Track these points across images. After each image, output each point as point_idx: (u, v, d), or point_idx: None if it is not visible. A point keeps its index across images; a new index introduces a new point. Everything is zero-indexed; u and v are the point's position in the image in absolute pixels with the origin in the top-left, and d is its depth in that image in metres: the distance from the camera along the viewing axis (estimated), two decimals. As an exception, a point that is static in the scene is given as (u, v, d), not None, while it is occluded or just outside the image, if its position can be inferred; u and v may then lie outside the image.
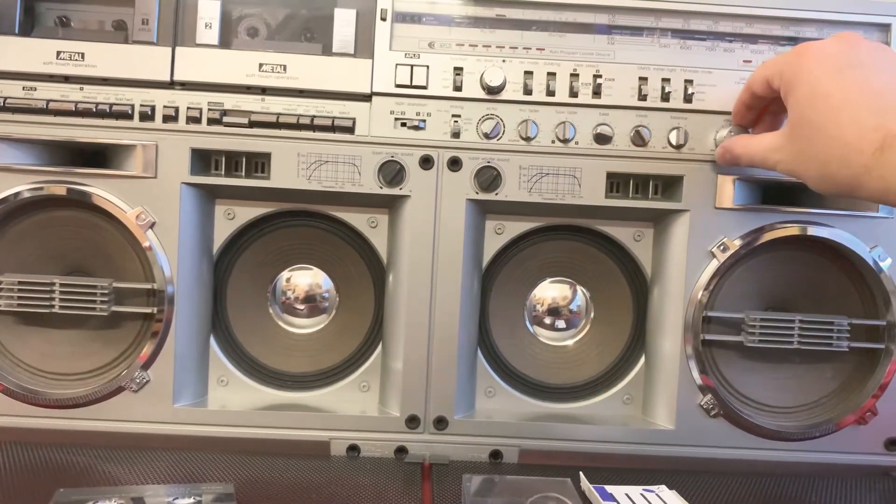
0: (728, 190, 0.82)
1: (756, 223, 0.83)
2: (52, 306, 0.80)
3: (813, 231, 0.83)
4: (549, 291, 0.90)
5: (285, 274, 0.89)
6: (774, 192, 0.85)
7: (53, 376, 0.83)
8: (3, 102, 0.79)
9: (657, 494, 0.74)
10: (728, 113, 0.81)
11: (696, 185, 0.82)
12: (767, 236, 0.82)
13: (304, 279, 0.89)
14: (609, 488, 0.75)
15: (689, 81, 0.81)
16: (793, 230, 0.83)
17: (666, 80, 0.81)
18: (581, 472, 0.76)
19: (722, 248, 0.82)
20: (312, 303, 0.89)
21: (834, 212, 0.83)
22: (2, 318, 0.82)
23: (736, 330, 0.84)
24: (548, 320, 0.90)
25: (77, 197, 0.80)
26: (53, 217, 0.82)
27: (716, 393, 0.83)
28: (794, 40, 0.83)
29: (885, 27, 0.83)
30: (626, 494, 0.74)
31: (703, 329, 0.83)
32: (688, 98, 0.81)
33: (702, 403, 0.84)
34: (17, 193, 0.79)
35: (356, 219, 0.85)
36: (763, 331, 0.82)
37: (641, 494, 0.74)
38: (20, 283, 0.80)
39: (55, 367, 0.83)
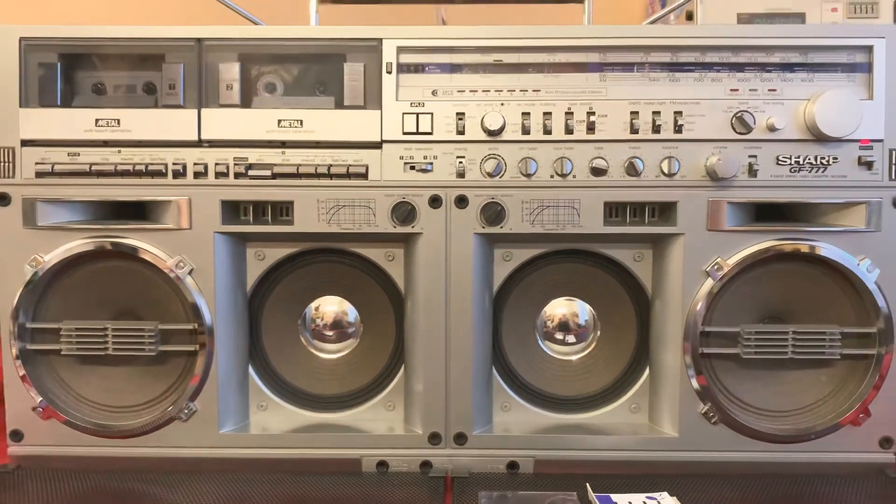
0: (720, 213, 0.87)
1: (748, 242, 0.88)
2: (106, 348, 0.89)
3: (804, 247, 0.87)
4: (558, 310, 0.96)
5: (313, 304, 0.96)
6: (766, 211, 0.90)
7: (111, 409, 0.92)
8: (52, 168, 0.87)
9: (658, 502, 0.81)
10: (717, 140, 0.86)
11: (690, 209, 0.87)
12: (760, 255, 0.87)
13: (330, 308, 0.97)
14: (614, 497, 0.82)
15: (678, 113, 0.86)
16: (785, 247, 0.87)
17: (656, 113, 0.86)
18: (587, 484, 0.83)
19: (716, 267, 0.88)
20: (339, 329, 0.97)
21: (824, 228, 0.88)
22: (64, 359, 0.91)
23: (733, 342, 0.89)
24: (558, 336, 0.96)
25: (123, 249, 0.88)
26: (103, 267, 0.90)
27: (716, 401, 0.89)
28: (779, 66, 0.87)
29: (868, 49, 0.86)
30: (630, 503, 0.80)
31: (701, 343, 0.89)
32: (678, 129, 0.86)
33: (703, 411, 0.90)
34: (70, 248, 0.88)
35: (374, 253, 0.93)
36: (758, 343, 0.88)
37: (644, 502, 0.81)
38: (77, 329, 0.89)
39: (112, 400, 0.92)
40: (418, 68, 0.87)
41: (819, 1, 1.17)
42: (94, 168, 0.87)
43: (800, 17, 1.17)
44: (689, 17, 1.20)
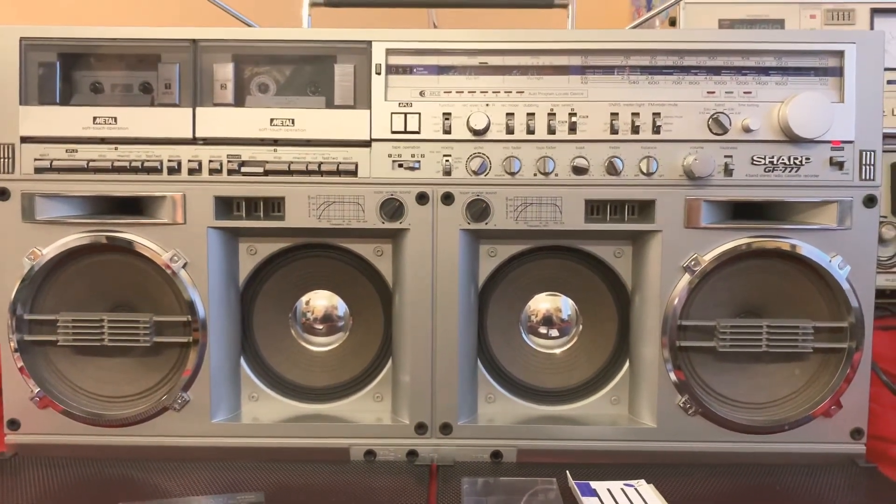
0: (697, 211, 0.90)
1: (724, 239, 0.91)
2: (102, 340, 0.92)
3: (778, 244, 0.91)
4: (541, 304, 0.99)
5: (304, 298, 0.99)
6: (741, 209, 0.93)
7: (106, 399, 0.95)
8: (51, 164, 0.90)
9: (636, 489, 0.84)
10: (694, 141, 0.90)
11: (668, 207, 0.90)
12: (735, 251, 0.91)
13: (320, 301, 0.99)
14: (593, 484, 0.85)
15: (656, 114, 0.90)
16: (760, 244, 0.91)
17: (635, 115, 0.90)
18: (567, 471, 0.86)
19: (693, 263, 0.91)
20: (329, 322, 1.00)
21: (797, 226, 0.91)
22: (61, 350, 0.94)
23: (709, 336, 0.92)
24: (541, 330, 0.99)
25: (119, 243, 0.91)
26: (99, 261, 0.93)
27: (693, 393, 0.92)
28: (755, 70, 0.90)
29: (839, 54, 0.90)
30: (608, 490, 0.83)
31: (678, 336, 0.92)
32: (656, 129, 0.90)
33: (680, 403, 0.93)
34: (67, 242, 0.91)
35: (363, 248, 0.95)
36: (733, 337, 0.91)
37: (622, 489, 0.84)
38: (74, 320, 0.92)
39: (107, 391, 0.95)
40: (406, 70, 0.90)
41: (798, 8, 1.20)
42: (91, 164, 0.90)
43: (779, 24, 1.21)
44: (672, 22, 1.23)
